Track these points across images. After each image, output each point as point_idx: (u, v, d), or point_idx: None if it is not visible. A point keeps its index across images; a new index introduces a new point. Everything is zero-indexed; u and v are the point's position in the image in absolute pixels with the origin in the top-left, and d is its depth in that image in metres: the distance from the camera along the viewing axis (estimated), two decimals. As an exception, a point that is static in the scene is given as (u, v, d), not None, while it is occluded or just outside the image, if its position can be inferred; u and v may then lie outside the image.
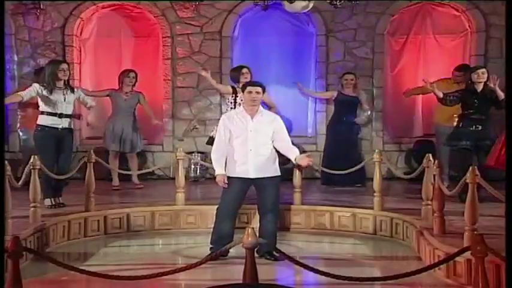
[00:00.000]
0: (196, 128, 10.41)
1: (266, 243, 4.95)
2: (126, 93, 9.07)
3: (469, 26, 10.24)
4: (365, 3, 10.16)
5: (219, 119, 10.09)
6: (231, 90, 7.91)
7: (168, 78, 10.38)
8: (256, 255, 3.79)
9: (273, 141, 5.94)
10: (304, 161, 6.01)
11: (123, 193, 8.61)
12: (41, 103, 7.28)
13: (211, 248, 5.89)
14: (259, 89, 5.92)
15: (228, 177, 5.89)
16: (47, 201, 7.18)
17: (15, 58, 10.27)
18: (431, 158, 6.27)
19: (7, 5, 9.68)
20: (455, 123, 7.98)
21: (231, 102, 7.75)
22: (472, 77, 7.42)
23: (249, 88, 5.93)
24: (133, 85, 9.12)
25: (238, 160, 5.86)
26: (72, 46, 10.32)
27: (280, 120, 6.05)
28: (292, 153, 5.99)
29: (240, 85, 7.59)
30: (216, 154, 5.95)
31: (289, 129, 10.49)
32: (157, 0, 10.32)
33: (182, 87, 10.41)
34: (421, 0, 10.23)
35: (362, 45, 10.28)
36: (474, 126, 7.34)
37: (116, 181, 8.92)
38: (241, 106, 6.08)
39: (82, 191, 7.08)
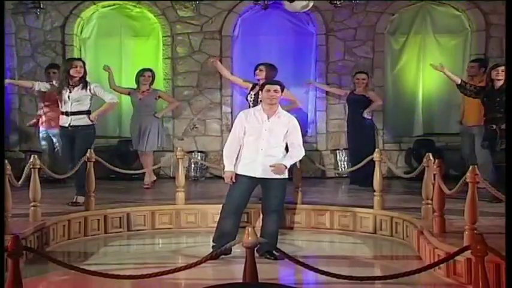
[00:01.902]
0: (196, 127, 10.41)
1: (267, 243, 4.95)
2: (143, 92, 9.09)
3: (469, 25, 10.23)
4: (365, 3, 10.17)
5: (219, 118, 10.31)
6: (245, 84, 7.86)
7: (168, 77, 10.38)
8: (256, 254, 3.79)
9: (286, 144, 5.90)
10: (275, 168, 5.80)
11: (124, 192, 8.61)
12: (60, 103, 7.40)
13: (213, 246, 5.88)
14: (277, 88, 5.87)
15: (236, 174, 5.86)
16: (80, 199, 7.23)
17: (16, 57, 10.26)
18: (431, 157, 6.27)
19: (7, 4, 9.69)
20: (476, 122, 7.93)
21: (254, 100, 7.66)
22: (491, 74, 7.33)
23: (267, 86, 5.90)
24: (151, 84, 9.16)
25: (247, 158, 5.84)
26: (73, 45, 10.32)
27: (296, 123, 5.98)
28: (286, 157, 5.87)
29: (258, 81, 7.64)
30: (228, 150, 5.91)
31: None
32: (157, 0, 10.33)
33: (182, 86, 10.41)
34: (421, -1, 10.25)
35: (362, 45, 10.28)
36: (489, 126, 7.22)
37: (147, 179, 8.95)
38: (260, 104, 6.03)
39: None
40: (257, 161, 5.82)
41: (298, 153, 5.95)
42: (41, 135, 9.15)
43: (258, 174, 5.84)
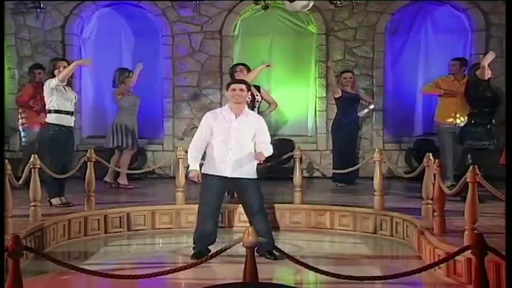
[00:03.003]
0: (196, 127, 10.38)
1: (267, 243, 4.95)
2: (130, 91, 9.07)
3: (469, 25, 10.23)
4: (365, 2, 10.17)
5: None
6: None
7: (168, 77, 10.38)
8: (256, 254, 3.78)
9: (254, 143, 5.91)
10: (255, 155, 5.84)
11: (124, 192, 8.61)
12: (55, 101, 7.14)
13: (194, 248, 5.94)
14: (243, 87, 5.88)
15: (207, 175, 5.86)
16: (56, 200, 7.17)
17: (16, 57, 10.26)
18: (431, 157, 6.26)
19: (7, 4, 9.68)
20: (456, 121, 7.96)
21: (251, 101, 7.73)
22: (477, 74, 7.34)
23: (232, 86, 5.91)
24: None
25: (217, 158, 5.84)
26: (73, 45, 10.32)
27: (263, 122, 6.05)
28: (263, 150, 5.87)
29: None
30: (194, 150, 5.91)
31: (290, 128, 10.54)
32: (158, 0, 10.32)
33: (182, 86, 10.41)
34: (422, -1, 10.24)
35: (362, 44, 10.28)
36: (484, 124, 7.20)
37: (125, 180, 8.92)
38: (227, 104, 6.02)
39: (82, 190, 7.07)
40: (227, 161, 5.82)
41: (267, 150, 5.90)
42: (24, 135, 9.04)
43: (228, 173, 5.83)
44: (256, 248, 3.77)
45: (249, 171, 5.88)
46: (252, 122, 5.92)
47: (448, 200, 5.79)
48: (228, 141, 5.81)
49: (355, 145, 9.14)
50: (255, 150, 5.87)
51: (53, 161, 7.09)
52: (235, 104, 5.86)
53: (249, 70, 7.80)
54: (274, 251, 5.59)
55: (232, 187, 5.95)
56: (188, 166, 5.99)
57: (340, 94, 9.27)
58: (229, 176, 5.83)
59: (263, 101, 8.17)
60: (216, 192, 5.91)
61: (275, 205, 7.41)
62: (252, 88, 7.78)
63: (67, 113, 7.20)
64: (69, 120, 7.24)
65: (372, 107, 9.72)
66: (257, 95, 7.84)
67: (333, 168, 8.97)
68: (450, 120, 8.46)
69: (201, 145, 5.91)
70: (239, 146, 5.82)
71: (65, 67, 7.14)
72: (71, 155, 7.33)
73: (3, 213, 5.22)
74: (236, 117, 5.85)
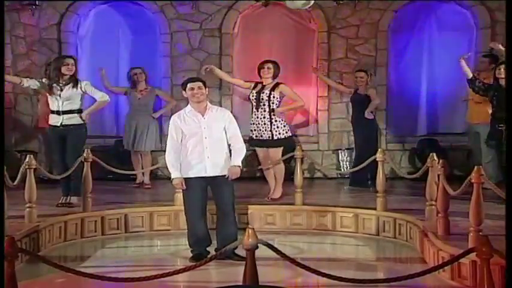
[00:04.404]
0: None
1: (233, 246, 4.74)
2: (141, 91, 9.03)
3: (474, 23, 10.14)
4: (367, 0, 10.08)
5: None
6: (247, 84, 7.79)
7: (167, 75, 10.29)
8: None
9: (228, 138, 5.88)
10: (230, 172, 5.80)
11: (122, 193, 8.53)
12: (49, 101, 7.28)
13: (192, 251, 5.89)
14: (201, 84, 5.86)
15: (187, 179, 5.80)
16: (74, 199, 7.17)
17: (11, 55, 10.16)
18: (435, 158, 6.20)
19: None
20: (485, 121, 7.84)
21: (256, 99, 7.59)
22: (496, 73, 7.24)
23: (190, 85, 5.86)
24: (145, 81, 9.12)
25: (194, 159, 5.80)
26: (69, 43, 10.22)
27: (231, 115, 6.04)
28: (233, 157, 5.85)
29: (262, 80, 7.59)
30: (172, 156, 5.85)
31: (291, 129, 10.50)
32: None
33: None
34: (426, -3, 10.14)
35: (365, 42, 10.19)
36: (498, 125, 7.08)
37: (146, 179, 8.98)
38: (189, 105, 5.95)
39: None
40: (205, 160, 5.79)
41: (241, 148, 5.91)
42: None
43: (208, 172, 5.80)
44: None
45: (225, 167, 5.85)
46: (219, 115, 5.91)
47: (453, 201, 5.70)
48: (202, 141, 5.79)
49: (369, 146, 8.71)
50: (228, 144, 5.86)
51: (53, 160, 7.12)
52: (197, 103, 5.83)
53: (278, 68, 7.68)
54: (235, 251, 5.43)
55: (210, 185, 5.89)
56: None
57: (351, 94, 9.14)
58: (208, 175, 5.80)
59: (283, 98, 7.84)
60: (199, 194, 5.85)
61: (276, 206, 7.35)
62: (269, 86, 7.62)
63: (52, 112, 7.19)
64: (55, 120, 7.17)
65: (376, 101, 9.41)
66: (272, 92, 7.59)
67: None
68: (477, 119, 8.27)
69: (176, 150, 5.85)
70: (213, 143, 5.80)
71: (72, 64, 7.17)
72: (70, 154, 7.12)
73: (3, 213, 5.13)
74: (203, 116, 5.83)
